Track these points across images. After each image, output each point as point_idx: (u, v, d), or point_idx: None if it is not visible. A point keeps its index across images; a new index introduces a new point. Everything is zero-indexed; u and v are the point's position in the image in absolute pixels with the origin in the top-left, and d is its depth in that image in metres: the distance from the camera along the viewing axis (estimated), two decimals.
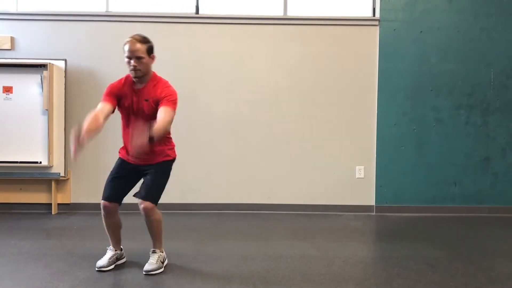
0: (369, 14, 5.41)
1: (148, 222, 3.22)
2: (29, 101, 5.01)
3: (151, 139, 2.79)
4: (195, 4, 5.33)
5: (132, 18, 5.24)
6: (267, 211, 5.24)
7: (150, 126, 2.82)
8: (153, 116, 3.05)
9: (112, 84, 3.24)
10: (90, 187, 5.25)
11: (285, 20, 5.30)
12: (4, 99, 5.00)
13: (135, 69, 3.08)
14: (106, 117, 3.12)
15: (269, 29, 5.30)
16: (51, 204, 5.14)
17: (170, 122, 3.10)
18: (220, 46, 5.27)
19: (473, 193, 5.35)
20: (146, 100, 3.12)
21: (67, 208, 5.24)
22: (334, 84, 5.32)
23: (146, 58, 3.10)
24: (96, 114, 3.02)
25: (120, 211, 3.34)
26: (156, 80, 3.21)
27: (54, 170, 5.04)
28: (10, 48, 5.17)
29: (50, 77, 4.95)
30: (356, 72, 5.33)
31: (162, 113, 3.01)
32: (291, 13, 5.36)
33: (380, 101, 5.31)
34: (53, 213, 5.11)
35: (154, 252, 3.29)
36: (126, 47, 3.09)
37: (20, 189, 5.18)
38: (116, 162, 3.31)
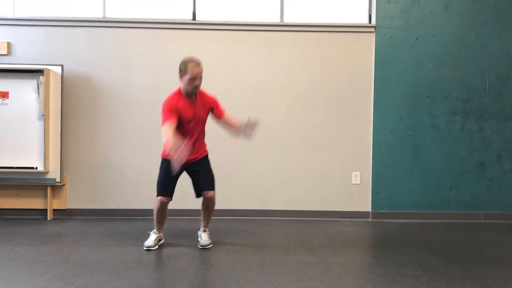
0: (365, 21, 5.43)
1: (210, 207, 4.05)
2: (25, 106, 5.00)
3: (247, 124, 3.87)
4: (192, 10, 5.35)
5: (129, 24, 5.25)
6: (264, 217, 5.24)
7: (239, 121, 3.91)
8: (205, 120, 3.97)
9: (170, 102, 3.78)
10: (86, 193, 5.24)
11: (282, 27, 5.32)
12: (0, 104, 4.99)
13: (197, 87, 3.81)
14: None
15: (265, 36, 5.32)
16: (46, 209, 5.12)
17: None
18: (217, 52, 5.28)
19: (469, 199, 5.36)
20: (203, 108, 3.91)
21: (62, 214, 5.22)
22: (330, 90, 5.34)
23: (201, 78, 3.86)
24: (173, 129, 3.65)
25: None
26: (200, 92, 3.93)
27: (50, 175, 5.03)
28: (6, 53, 5.17)
29: (46, 82, 4.95)
30: (352, 79, 5.34)
31: (225, 113, 4.01)
32: (287, 19, 5.38)
33: (376, 107, 5.33)
34: (48, 218, 5.09)
35: (204, 231, 4.11)
36: (194, 70, 3.75)
37: (16, 194, 5.16)
38: (164, 164, 3.89)
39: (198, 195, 4.04)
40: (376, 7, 5.30)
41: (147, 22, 5.27)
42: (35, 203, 5.17)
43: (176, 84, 5.27)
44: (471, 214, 5.35)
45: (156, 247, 3.94)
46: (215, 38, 5.29)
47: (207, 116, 3.97)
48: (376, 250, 4.25)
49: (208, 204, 4.02)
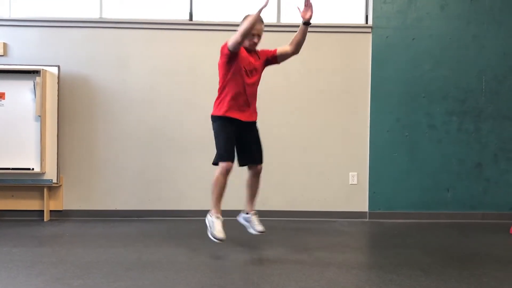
0: (361, 21, 5.44)
1: (256, 182, 3.83)
2: (22, 107, 4.99)
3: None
4: (188, 11, 5.35)
5: (126, 25, 5.24)
6: (261, 217, 5.18)
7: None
8: (261, 73, 3.90)
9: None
10: (82, 194, 5.23)
11: (279, 27, 5.32)
12: None
13: (256, 44, 3.78)
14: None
15: (262, 36, 5.30)
16: (43, 211, 5.10)
17: None
18: (214, 53, 5.24)
19: (466, 199, 5.38)
20: (259, 60, 3.87)
21: (59, 215, 5.21)
22: (327, 91, 5.34)
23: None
24: None
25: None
26: (259, 51, 3.93)
27: (46, 176, 5.01)
28: (3, 54, 5.16)
29: (43, 83, 4.94)
30: (349, 79, 5.35)
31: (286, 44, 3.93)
32: (284, 20, 5.39)
33: (373, 108, 5.34)
34: (45, 220, 5.08)
35: (255, 213, 3.87)
36: (257, 25, 3.68)
37: (12, 196, 5.14)
38: (220, 123, 3.68)
39: (242, 165, 3.82)
40: (373, 8, 5.32)
41: (144, 23, 5.26)
42: (31, 204, 5.16)
43: (173, 84, 5.29)
44: (468, 214, 5.37)
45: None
46: (212, 39, 5.27)
47: (262, 69, 3.89)
48: (373, 250, 4.26)
49: (254, 181, 3.82)
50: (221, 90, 3.76)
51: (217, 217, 3.62)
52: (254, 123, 3.86)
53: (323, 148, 5.35)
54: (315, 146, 5.35)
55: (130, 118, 5.25)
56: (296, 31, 5.32)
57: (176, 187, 5.28)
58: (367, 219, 5.35)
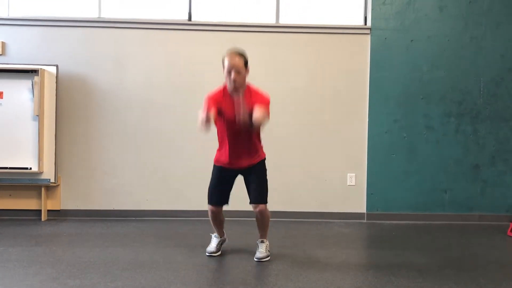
0: (360, 22, 5.45)
1: (261, 219, 3.64)
2: (20, 106, 4.98)
3: (251, 123, 3.30)
4: (187, 11, 5.34)
5: (125, 25, 5.23)
6: None
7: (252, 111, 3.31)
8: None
9: (211, 94, 3.50)
10: (80, 194, 5.22)
11: (277, 28, 5.33)
12: None
13: (235, 82, 3.36)
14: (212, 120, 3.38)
15: (261, 37, 5.32)
16: (41, 210, 5.09)
17: (266, 114, 3.40)
18: (213, 53, 5.26)
19: (463, 201, 5.38)
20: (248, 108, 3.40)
21: (57, 215, 5.20)
22: (325, 92, 5.34)
23: (243, 71, 3.40)
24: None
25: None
26: (251, 90, 3.49)
27: (44, 176, 5.01)
28: (1, 53, 5.14)
29: (41, 82, 4.93)
30: (348, 80, 5.35)
31: (258, 107, 3.34)
32: (283, 21, 5.39)
33: (371, 109, 5.34)
34: (43, 219, 5.07)
35: (262, 242, 3.72)
36: (226, 61, 3.37)
37: (10, 195, 5.13)
38: (214, 171, 3.69)
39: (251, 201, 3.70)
40: (372, 9, 5.32)
41: (143, 23, 5.26)
42: (29, 203, 5.15)
43: (172, 85, 5.29)
44: (465, 215, 5.37)
45: (219, 252, 3.80)
46: (210, 39, 5.28)
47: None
48: (370, 252, 4.26)
49: (258, 217, 3.65)
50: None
51: (215, 236, 3.86)
52: (254, 165, 3.64)
53: (321, 149, 5.35)
54: (313, 147, 5.35)
55: (128, 118, 5.24)
56: (295, 32, 5.36)
57: (173, 187, 5.27)
58: (365, 220, 5.35)
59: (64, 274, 3.24)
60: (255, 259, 3.62)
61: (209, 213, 3.71)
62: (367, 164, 5.35)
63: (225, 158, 3.59)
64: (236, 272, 3.39)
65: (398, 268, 3.51)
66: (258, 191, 3.59)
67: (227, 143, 3.54)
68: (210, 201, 3.67)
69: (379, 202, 5.36)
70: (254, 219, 3.69)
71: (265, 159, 3.73)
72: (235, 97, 3.41)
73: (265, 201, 3.60)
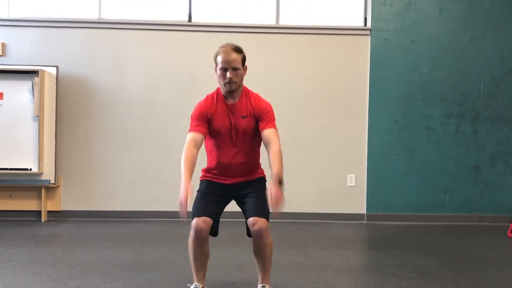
0: (360, 23, 5.45)
1: (260, 246, 2.68)
2: (20, 107, 4.98)
3: (280, 182, 2.57)
4: (187, 12, 5.35)
5: (125, 25, 5.24)
6: None
7: (274, 173, 2.59)
8: (252, 133, 2.80)
9: (201, 105, 2.87)
10: (80, 195, 5.22)
11: (277, 29, 5.33)
12: None
13: (230, 81, 2.72)
14: (199, 147, 2.77)
15: (261, 38, 5.33)
16: (41, 211, 5.10)
17: (277, 138, 2.78)
18: (213, 54, 5.27)
19: (463, 202, 5.38)
20: (244, 117, 2.78)
21: (57, 216, 5.20)
22: (325, 93, 5.35)
23: (241, 70, 2.76)
24: (191, 155, 2.70)
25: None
26: (249, 95, 2.86)
27: (44, 177, 5.01)
28: (1, 54, 5.15)
29: (41, 83, 4.93)
30: (348, 81, 5.36)
31: (272, 141, 2.72)
32: (283, 22, 5.39)
33: (371, 110, 5.34)
34: (42, 220, 5.07)
35: (263, 287, 2.74)
36: (220, 58, 2.74)
37: (10, 196, 5.13)
38: (202, 185, 2.90)
39: (248, 231, 2.76)
40: (372, 10, 5.32)
41: (143, 24, 5.26)
42: (29, 204, 5.15)
43: (172, 85, 5.29)
44: (465, 216, 5.37)
45: None
46: (210, 40, 5.27)
47: (252, 128, 2.79)
48: (370, 253, 4.26)
49: (257, 241, 2.67)
50: None
51: (195, 286, 2.80)
52: (256, 179, 2.97)
53: (321, 150, 5.35)
54: (313, 147, 5.35)
55: (128, 119, 5.24)
56: (295, 33, 5.36)
57: (173, 188, 5.25)
58: (365, 221, 5.35)
59: (64, 275, 3.24)
60: None
61: (192, 239, 2.71)
62: (367, 165, 5.35)
63: (214, 174, 2.90)
64: (236, 273, 3.38)
65: (398, 269, 3.51)
66: (258, 203, 2.73)
67: (219, 157, 2.85)
68: (195, 214, 2.70)
69: (379, 203, 5.36)
70: (254, 255, 2.79)
71: (265, 178, 3.01)
72: (229, 102, 2.81)
73: (266, 217, 2.68)
